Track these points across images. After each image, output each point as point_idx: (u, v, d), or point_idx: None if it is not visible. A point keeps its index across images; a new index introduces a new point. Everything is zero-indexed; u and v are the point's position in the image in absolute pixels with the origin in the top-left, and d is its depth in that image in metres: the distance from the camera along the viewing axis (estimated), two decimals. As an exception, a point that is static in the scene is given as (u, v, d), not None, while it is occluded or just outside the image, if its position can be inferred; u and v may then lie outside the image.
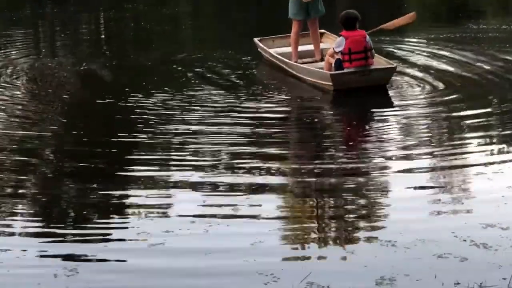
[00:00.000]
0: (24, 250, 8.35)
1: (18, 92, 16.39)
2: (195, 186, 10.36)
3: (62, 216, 9.66)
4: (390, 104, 15.05)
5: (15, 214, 9.66)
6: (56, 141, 12.99)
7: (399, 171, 10.89)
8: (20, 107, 15.21)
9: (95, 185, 10.49)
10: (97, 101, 15.53)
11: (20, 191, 10.54)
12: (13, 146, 12.58)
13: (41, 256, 8.20)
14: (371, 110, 14.72)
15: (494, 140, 12.53)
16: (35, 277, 7.62)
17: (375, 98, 15.35)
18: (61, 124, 14.06)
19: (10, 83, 17.02)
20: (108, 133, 13.32)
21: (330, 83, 15.72)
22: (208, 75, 17.71)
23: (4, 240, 8.72)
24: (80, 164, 11.50)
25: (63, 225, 9.27)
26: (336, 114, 15.15)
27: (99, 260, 8.09)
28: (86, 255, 8.18)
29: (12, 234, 8.94)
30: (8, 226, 9.17)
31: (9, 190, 10.59)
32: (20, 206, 9.93)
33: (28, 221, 9.37)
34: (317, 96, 15.82)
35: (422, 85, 16.04)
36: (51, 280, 7.53)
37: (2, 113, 14.67)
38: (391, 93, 15.59)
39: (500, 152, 11.89)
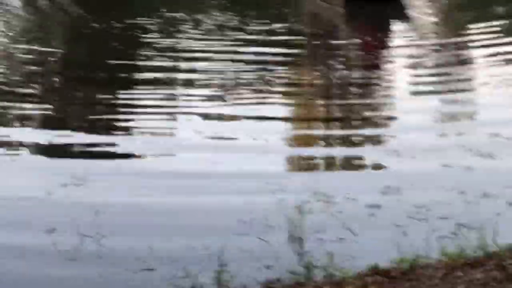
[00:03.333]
0: (34, 159, 8.42)
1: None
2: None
3: (71, 124, 9.73)
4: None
5: (25, 120, 9.76)
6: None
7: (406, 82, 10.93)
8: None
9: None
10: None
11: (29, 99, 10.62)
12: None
13: (50, 166, 8.26)
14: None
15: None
16: (46, 185, 7.66)
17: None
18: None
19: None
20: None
21: None
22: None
23: (15, 149, 8.79)
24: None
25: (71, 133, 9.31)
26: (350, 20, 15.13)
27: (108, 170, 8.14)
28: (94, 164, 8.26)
29: (21, 144, 8.98)
30: (19, 133, 9.26)
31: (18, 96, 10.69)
32: (29, 115, 10.01)
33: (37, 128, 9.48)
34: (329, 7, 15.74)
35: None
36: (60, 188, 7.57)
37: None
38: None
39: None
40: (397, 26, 15.93)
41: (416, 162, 8.11)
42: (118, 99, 10.61)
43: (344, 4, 16.92)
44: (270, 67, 12.10)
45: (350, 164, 8.36)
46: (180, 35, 14.61)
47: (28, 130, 9.33)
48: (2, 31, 15.22)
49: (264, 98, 10.52)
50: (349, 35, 15.26)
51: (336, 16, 16.79)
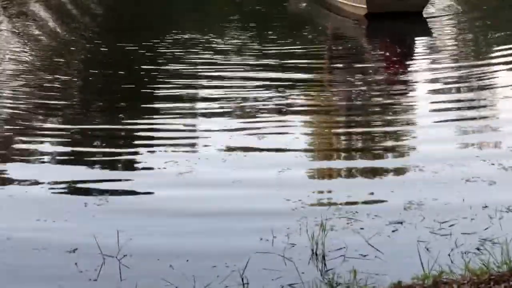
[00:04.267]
0: (55, 181, 8.43)
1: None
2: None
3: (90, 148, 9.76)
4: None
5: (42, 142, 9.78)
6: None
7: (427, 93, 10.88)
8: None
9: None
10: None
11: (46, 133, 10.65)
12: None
13: (74, 188, 8.28)
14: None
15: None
16: (66, 207, 7.66)
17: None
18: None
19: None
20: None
21: (364, 6, 15.56)
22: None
23: (37, 166, 8.83)
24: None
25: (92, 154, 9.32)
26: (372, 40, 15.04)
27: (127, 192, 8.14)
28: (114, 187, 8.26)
29: (43, 161, 9.00)
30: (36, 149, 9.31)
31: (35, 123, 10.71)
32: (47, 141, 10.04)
33: (58, 147, 9.50)
34: (351, 25, 15.66)
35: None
36: (82, 209, 7.56)
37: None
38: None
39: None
40: (419, 44, 15.91)
41: (438, 176, 8.06)
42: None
43: (367, 18, 16.91)
44: (288, 92, 12.04)
45: (371, 179, 8.31)
46: (198, 60, 14.45)
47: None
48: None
49: (282, 127, 10.40)
50: (371, 56, 15.18)
51: (359, 34, 16.76)
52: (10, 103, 11.55)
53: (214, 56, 14.63)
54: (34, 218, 7.26)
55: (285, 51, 14.98)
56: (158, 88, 12.41)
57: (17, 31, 17.44)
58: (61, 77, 13.35)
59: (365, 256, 6.20)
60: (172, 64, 14.01)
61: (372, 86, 12.39)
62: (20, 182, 8.29)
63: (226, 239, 6.70)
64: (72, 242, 6.60)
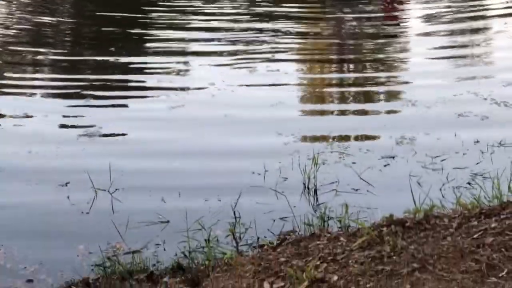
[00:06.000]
0: (47, 113, 8.40)
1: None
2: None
3: (83, 79, 9.71)
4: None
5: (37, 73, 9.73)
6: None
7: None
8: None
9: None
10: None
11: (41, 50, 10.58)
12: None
13: (64, 116, 8.28)
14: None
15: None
16: (58, 140, 7.66)
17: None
18: None
19: None
20: None
21: None
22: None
23: (30, 100, 8.79)
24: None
25: (84, 87, 9.29)
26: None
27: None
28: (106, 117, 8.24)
29: (34, 94, 8.98)
30: (32, 87, 9.26)
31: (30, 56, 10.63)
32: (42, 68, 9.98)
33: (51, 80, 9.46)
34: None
35: None
36: (74, 143, 7.55)
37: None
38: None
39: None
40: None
41: (430, 111, 8.06)
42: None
43: None
44: (281, 26, 11.94)
45: (364, 114, 8.31)
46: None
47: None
48: None
49: (274, 62, 10.35)
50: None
51: None
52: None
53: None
54: (25, 150, 7.24)
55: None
56: (150, 32, 12.36)
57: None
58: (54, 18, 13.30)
59: (357, 190, 6.22)
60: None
61: (365, 25, 12.37)
62: (11, 115, 8.28)
63: (218, 174, 6.70)
64: (64, 176, 6.60)
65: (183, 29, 12.44)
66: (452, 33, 12.05)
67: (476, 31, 12.01)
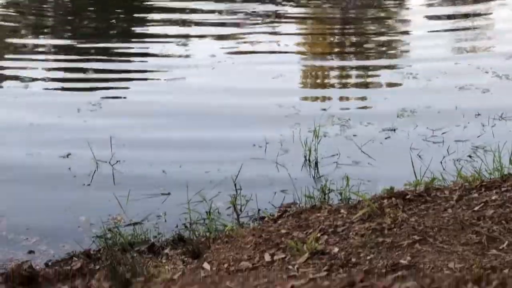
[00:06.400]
0: (50, 84, 8.40)
1: None
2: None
3: (85, 49, 9.69)
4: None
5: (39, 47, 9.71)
6: None
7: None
8: None
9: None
10: None
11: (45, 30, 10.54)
12: None
13: (64, 89, 8.28)
14: None
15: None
16: (60, 108, 7.65)
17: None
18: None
19: None
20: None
21: None
22: None
23: (31, 72, 8.77)
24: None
25: (86, 57, 9.28)
26: None
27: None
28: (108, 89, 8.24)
29: (36, 68, 8.96)
30: (33, 60, 9.24)
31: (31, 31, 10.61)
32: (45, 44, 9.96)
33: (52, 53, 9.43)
34: None
35: None
36: (75, 113, 7.55)
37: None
38: None
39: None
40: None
41: (432, 84, 8.05)
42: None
43: None
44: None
45: (365, 87, 8.30)
46: None
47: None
48: None
49: (275, 34, 10.32)
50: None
51: None
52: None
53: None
54: (27, 122, 7.24)
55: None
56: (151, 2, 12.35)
57: None
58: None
59: (357, 163, 6.22)
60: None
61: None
62: (14, 85, 8.30)
63: (219, 146, 6.70)
64: (65, 148, 6.60)
65: None
66: (454, 3, 12.02)
67: (478, 1, 11.97)
